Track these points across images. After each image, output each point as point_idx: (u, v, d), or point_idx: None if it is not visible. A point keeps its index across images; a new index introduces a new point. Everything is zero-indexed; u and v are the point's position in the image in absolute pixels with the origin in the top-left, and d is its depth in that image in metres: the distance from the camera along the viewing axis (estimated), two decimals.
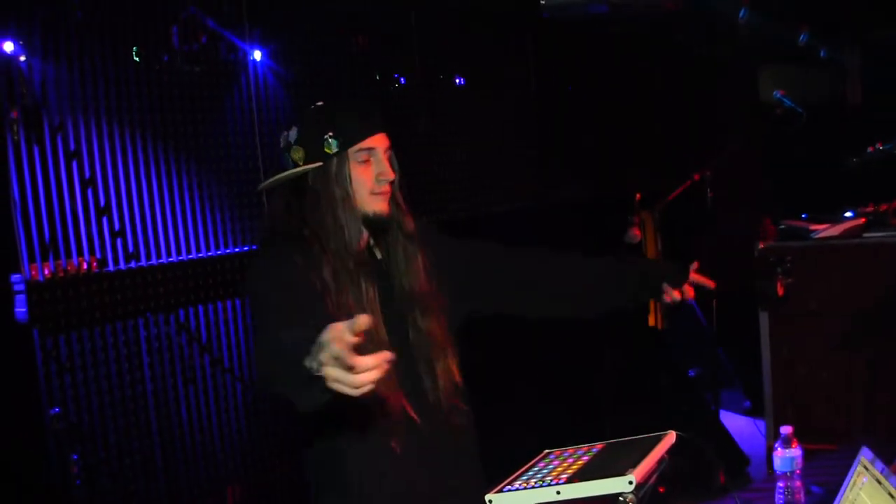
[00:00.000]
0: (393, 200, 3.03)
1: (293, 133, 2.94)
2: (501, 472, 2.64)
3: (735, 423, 7.14)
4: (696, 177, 6.58)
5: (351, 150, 2.91)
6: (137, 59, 5.64)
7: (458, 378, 3.19)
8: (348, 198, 2.90)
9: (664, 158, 8.15)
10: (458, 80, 8.01)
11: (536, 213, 7.89)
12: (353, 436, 2.93)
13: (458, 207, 7.63)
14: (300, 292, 2.79)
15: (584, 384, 7.28)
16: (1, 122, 4.93)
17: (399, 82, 7.56)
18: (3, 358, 4.92)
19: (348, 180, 2.90)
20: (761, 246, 5.64)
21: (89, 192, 5.33)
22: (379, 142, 2.97)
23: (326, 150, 2.89)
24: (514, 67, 8.20)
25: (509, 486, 2.48)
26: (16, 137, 4.97)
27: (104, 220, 5.39)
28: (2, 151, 4.92)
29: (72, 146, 5.26)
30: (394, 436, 2.96)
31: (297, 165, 2.93)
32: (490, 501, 2.47)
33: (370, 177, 2.93)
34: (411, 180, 6.95)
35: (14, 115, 4.97)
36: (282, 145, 2.99)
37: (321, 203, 2.90)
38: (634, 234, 6.53)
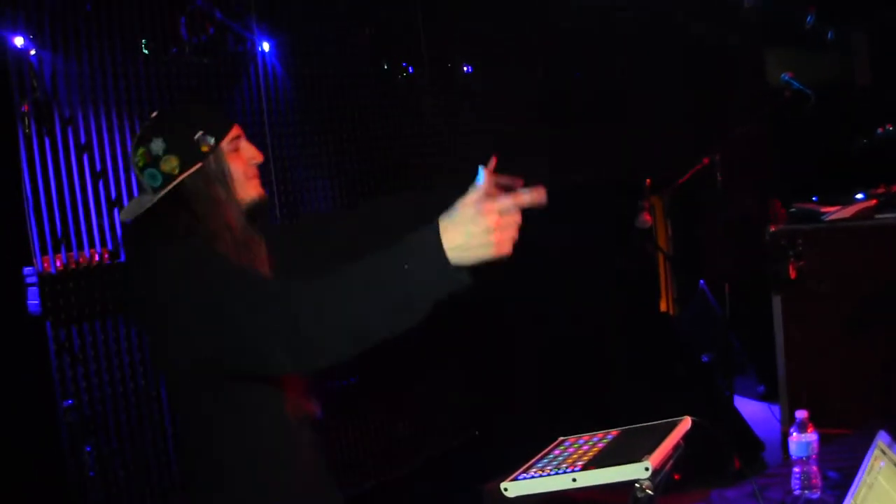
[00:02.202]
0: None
1: (158, 145, 2.72)
2: (516, 461, 2.63)
3: (749, 409, 7.12)
4: (706, 161, 6.55)
5: (223, 143, 2.79)
6: (146, 51, 5.63)
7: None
8: (229, 192, 2.79)
9: (673, 143, 8.12)
10: (466, 68, 7.99)
11: (547, 199, 7.87)
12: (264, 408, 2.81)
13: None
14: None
15: (596, 371, 7.27)
16: (12, 116, 4.94)
17: (407, 71, 7.55)
18: (16, 350, 4.94)
19: (228, 173, 2.79)
20: (772, 229, 5.61)
21: (100, 184, 5.35)
22: (238, 130, 2.87)
23: (203, 148, 2.75)
24: (523, 54, 8.18)
25: (524, 474, 2.46)
26: (27, 131, 4.98)
27: (115, 211, 5.40)
28: (13, 145, 4.94)
29: (83, 139, 5.28)
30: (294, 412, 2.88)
31: (171, 176, 2.72)
32: (505, 489, 2.45)
33: (244, 162, 2.83)
34: (421, 169, 7.00)
35: (25, 108, 4.98)
36: (142, 164, 2.74)
37: (206, 205, 2.75)
38: (645, 219, 6.50)
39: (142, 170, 2.75)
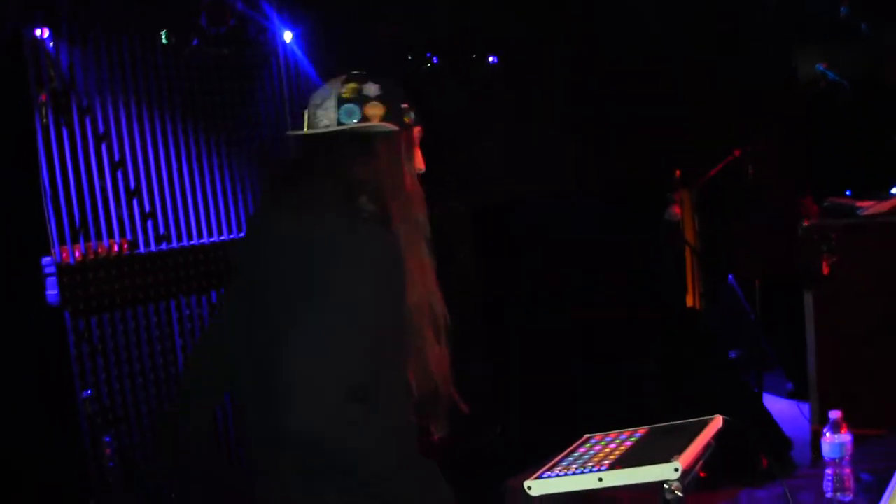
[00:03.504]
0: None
1: (372, 88, 2.69)
2: (540, 458, 2.56)
3: (777, 406, 7.02)
4: (737, 153, 6.46)
5: (416, 130, 2.77)
6: (166, 41, 5.58)
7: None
8: (411, 170, 2.74)
9: (704, 135, 8.03)
10: (491, 59, 7.92)
11: (575, 195, 7.81)
12: None
13: (493, 192, 7.57)
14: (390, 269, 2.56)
15: (623, 368, 7.20)
16: (30, 106, 4.91)
17: (431, 62, 7.48)
18: (34, 341, 4.91)
19: (411, 154, 2.75)
20: (805, 224, 5.50)
21: (119, 174, 5.32)
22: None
23: (406, 118, 2.72)
24: (550, 46, 8.10)
25: (548, 472, 2.39)
26: (44, 121, 4.96)
27: (134, 202, 5.38)
28: (31, 135, 4.91)
29: (101, 129, 5.23)
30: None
31: (368, 120, 2.67)
32: (529, 488, 2.38)
33: (419, 160, 2.79)
34: (444, 164, 6.94)
35: (43, 98, 4.94)
36: (345, 96, 2.68)
37: (386, 168, 2.67)
38: (675, 211, 6.44)
39: (342, 101, 2.68)
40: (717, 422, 2.60)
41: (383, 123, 2.67)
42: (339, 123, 2.67)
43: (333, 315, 2.41)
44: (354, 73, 2.76)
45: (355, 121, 2.66)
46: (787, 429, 6.44)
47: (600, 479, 2.30)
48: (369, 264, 2.48)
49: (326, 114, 2.69)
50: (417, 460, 2.60)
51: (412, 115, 2.73)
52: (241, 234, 5.79)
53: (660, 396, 6.61)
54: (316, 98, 2.73)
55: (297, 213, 2.61)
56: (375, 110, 2.66)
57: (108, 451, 4.97)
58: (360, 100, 2.67)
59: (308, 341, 2.40)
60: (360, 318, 2.42)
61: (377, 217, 2.55)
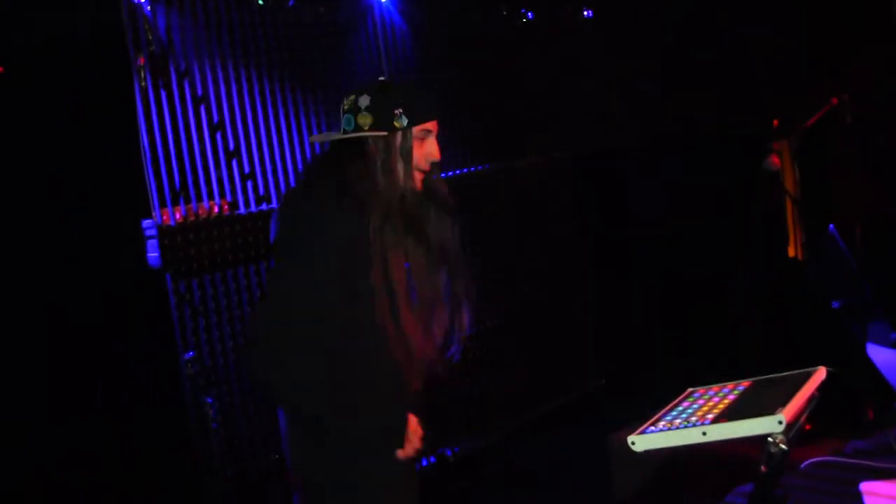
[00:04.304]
0: (429, 178, 3.25)
1: (364, 100, 3.10)
2: (644, 412, 2.54)
3: (882, 356, 6.90)
4: (834, 101, 6.34)
5: (415, 128, 3.12)
6: (262, 2, 5.60)
7: (465, 332, 3.42)
8: (406, 171, 3.13)
9: (801, 83, 7.88)
10: (586, 13, 7.84)
11: (671, 144, 7.73)
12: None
13: (592, 142, 7.53)
14: (355, 250, 3.05)
15: (725, 319, 7.14)
16: (128, 70, 4.96)
17: (526, 17, 7.43)
18: (136, 303, 4.99)
19: (409, 154, 3.12)
20: None
21: (218, 136, 5.37)
22: (435, 126, 3.19)
23: (396, 123, 3.09)
24: None
25: (652, 427, 2.37)
26: (143, 84, 5.00)
27: (234, 163, 5.42)
28: (130, 99, 4.96)
29: (199, 91, 5.28)
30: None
31: (360, 129, 3.10)
32: (633, 443, 2.37)
33: (422, 154, 3.16)
34: (538, 117, 6.90)
35: (141, 62, 4.99)
36: (346, 107, 3.15)
37: (377, 169, 3.10)
38: (773, 161, 6.32)
39: (344, 112, 3.16)
40: (821, 373, 2.57)
41: (371, 132, 3.09)
42: (343, 131, 3.16)
43: (279, 279, 3.04)
44: (366, 82, 3.31)
45: (350, 129, 3.12)
46: (892, 379, 6.34)
47: (704, 434, 2.29)
48: (322, 240, 2.99)
49: (341, 121, 3.20)
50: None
51: (405, 118, 3.09)
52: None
53: (763, 348, 6.54)
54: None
55: (295, 204, 3.12)
56: (365, 120, 3.09)
57: (210, 411, 5.05)
58: (354, 111, 3.12)
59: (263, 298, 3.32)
60: (300, 283, 2.97)
61: (353, 207, 3.02)
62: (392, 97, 3.12)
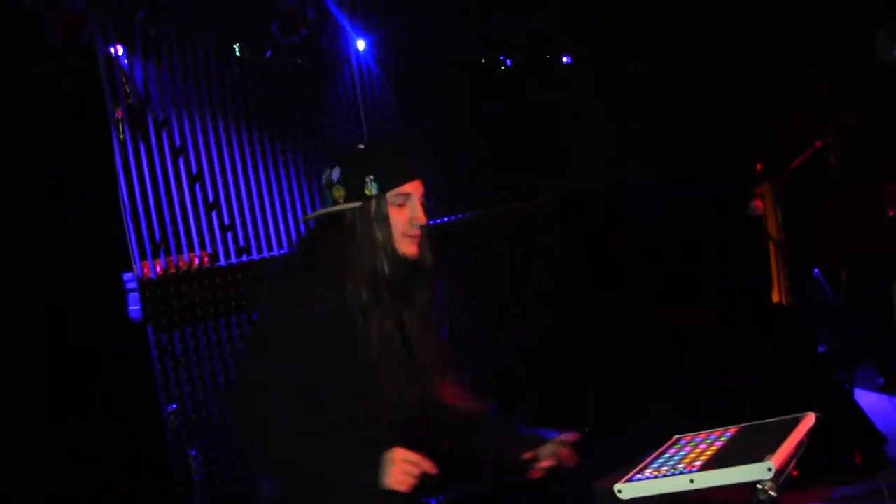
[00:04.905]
0: (422, 242, 3.15)
1: (336, 173, 3.06)
2: (629, 459, 2.51)
3: (869, 401, 6.88)
4: (818, 144, 6.36)
5: (389, 194, 3.04)
6: (239, 54, 5.61)
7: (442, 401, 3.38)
8: (385, 238, 3.04)
9: (784, 126, 7.91)
10: (565, 59, 7.86)
11: (655, 185, 7.73)
12: None
13: (575, 184, 7.55)
14: (331, 323, 2.99)
15: (710, 364, 7.11)
16: (106, 122, 4.95)
17: (505, 64, 7.44)
18: (118, 356, 4.95)
19: (386, 222, 3.04)
20: (891, 213, 5.39)
21: (197, 187, 5.34)
22: (415, 188, 3.09)
23: (367, 192, 3.02)
24: (624, 37, 8.00)
25: (639, 475, 2.35)
26: (121, 136, 4.99)
27: (213, 214, 5.40)
28: (108, 150, 4.94)
29: (177, 142, 5.26)
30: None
31: (336, 203, 3.07)
32: (619, 491, 2.34)
33: (404, 219, 3.06)
34: (531, 159, 6.90)
35: (119, 114, 4.98)
36: (324, 182, 3.11)
37: (358, 240, 3.04)
38: (756, 206, 6.33)
39: (322, 187, 3.12)
40: (810, 419, 2.55)
41: (346, 204, 3.04)
42: (324, 206, 3.13)
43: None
44: (338, 153, 3.27)
45: (329, 203, 3.08)
46: (879, 424, 6.32)
47: (692, 481, 2.27)
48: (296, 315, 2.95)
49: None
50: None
51: (377, 185, 3.02)
52: None
53: (748, 394, 6.51)
54: None
55: (278, 279, 3.14)
56: (339, 192, 3.05)
57: (194, 463, 4.99)
58: (329, 185, 3.08)
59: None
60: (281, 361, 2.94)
61: (331, 279, 2.99)
62: (362, 165, 3.05)
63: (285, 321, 2.96)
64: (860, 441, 6.03)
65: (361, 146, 3.17)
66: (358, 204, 3.03)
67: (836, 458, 5.54)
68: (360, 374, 3.00)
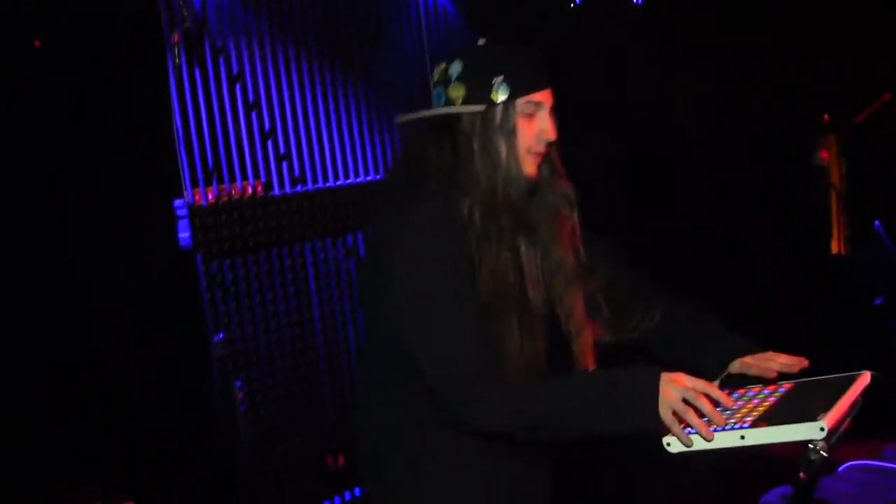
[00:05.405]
0: (547, 162, 2.70)
1: (456, 67, 2.59)
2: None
3: None
4: (886, 96, 6.23)
5: (519, 101, 2.58)
6: None
7: (591, 359, 2.78)
8: (508, 153, 2.59)
9: (853, 77, 7.77)
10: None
11: (724, 141, 7.61)
12: None
13: (640, 136, 7.43)
14: (458, 254, 2.56)
15: (765, 315, 7.04)
16: (162, 47, 4.91)
17: (574, 2, 7.32)
18: (167, 284, 4.94)
19: (513, 133, 2.58)
20: None
21: (253, 115, 5.29)
22: (546, 97, 2.63)
23: (493, 95, 2.56)
24: None
25: (689, 428, 2.29)
26: (177, 61, 4.94)
27: (269, 143, 5.35)
28: (163, 76, 4.90)
29: (234, 70, 5.20)
30: None
31: (451, 104, 2.60)
32: (668, 444, 2.29)
33: (532, 133, 2.60)
34: (593, 108, 6.79)
35: (175, 39, 4.92)
36: (436, 78, 2.65)
37: (475, 152, 2.58)
38: (822, 156, 6.23)
39: (434, 85, 2.65)
40: (865, 378, 2.50)
41: (465, 106, 2.57)
42: (434, 107, 2.63)
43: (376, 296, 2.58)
44: (459, 46, 2.75)
45: (440, 104, 2.61)
46: None
47: (742, 437, 2.22)
48: (408, 247, 2.52)
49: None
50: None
51: (507, 87, 2.56)
52: (381, 176, 5.84)
53: (805, 346, 6.44)
54: None
55: (379, 207, 2.75)
56: (457, 92, 2.58)
57: (239, 395, 5.00)
58: (445, 81, 2.61)
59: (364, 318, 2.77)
60: (396, 297, 2.51)
61: (441, 204, 2.54)
62: (490, 62, 2.59)
63: (444, 258, 2.51)
64: None
65: (486, 42, 2.69)
66: (481, 108, 2.57)
67: (889, 413, 5.49)
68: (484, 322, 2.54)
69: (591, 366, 2.74)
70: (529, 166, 2.62)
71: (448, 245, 2.51)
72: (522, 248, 2.66)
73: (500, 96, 2.56)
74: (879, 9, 7.70)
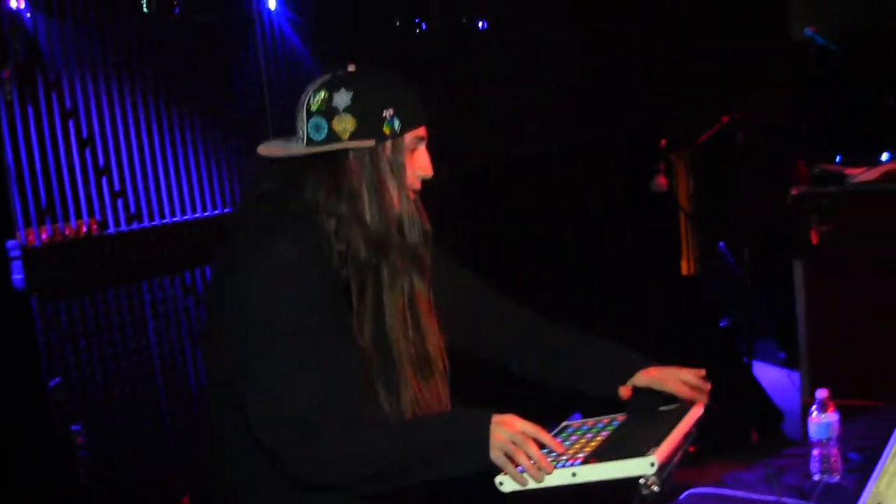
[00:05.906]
0: (418, 200, 2.59)
1: (343, 97, 2.41)
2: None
3: (769, 375, 6.92)
4: (725, 119, 6.37)
5: (408, 136, 2.46)
6: (147, 10, 5.41)
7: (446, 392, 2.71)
8: (398, 187, 2.47)
9: (693, 100, 7.92)
10: (481, 24, 7.76)
11: (574, 160, 7.67)
12: None
13: (494, 152, 7.45)
14: (333, 299, 2.44)
15: (615, 334, 7.11)
16: None
17: (420, 28, 7.32)
18: (1, 326, 4.76)
19: (401, 169, 2.45)
20: (794, 192, 5.41)
21: (87, 151, 5.16)
22: (426, 132, 2.54)
23: (385, 129, 2.42)
24: (537, 9, 7.94)
25: (521, 466, 2.28)
26: (8, 97, 4.80)
27: (104, 180, 5.22)
28: None
29: (68, 104, 5.07)
30: None
31: (337, 138, 2.40)
32: (500, 483, 2.28)
33: (412, 170, 2.50)
34: (446, 127, 6.78)
35: (6, 74, 4.79)
36: (314, 108, 2.43)
37: (364, 188, 2.43)
38: (660, 182, 6.33)
39: (311, 114, 2.43)
40: (699, 409, 2.53)
41: (354, 141, 2.41)
42: (308, 140, 2.43)
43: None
44: (337, 74, 2.51)
45: (321, 138, 2.42)
46: (778, 399, 6.35)
47: (574, 475, 2.22)
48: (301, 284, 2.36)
49: (300, 126, 2.47)
50: None
51: (398, 121, 2.43)
52: (219, 211, 5.72)
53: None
54: (301, 99, 2.51)
55: (228, 241, 2.51)
56: (344, 125, 2.40)
57: (78, 439, 4.88)
58: (328, 113, 2.41)
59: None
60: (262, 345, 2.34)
61: (300, 238, 2.39)
62: (380, 94, 2.44)
63: (297, 294, 2.34)
64: (757, 417, 6.08)
65: (358, 68, 2.52)
66: (371, 143, 2.42)
67: (733, 435, 5.58)
68: (367, 367, 2.46)
69: (446, 397, 2.67)
70: (407, 203, 2.51)
71: (304, 281, 2.35)
72: (417, 288, 2.56)
73: (393, 131, 2.44)
74: (718, 31, 7.90)
